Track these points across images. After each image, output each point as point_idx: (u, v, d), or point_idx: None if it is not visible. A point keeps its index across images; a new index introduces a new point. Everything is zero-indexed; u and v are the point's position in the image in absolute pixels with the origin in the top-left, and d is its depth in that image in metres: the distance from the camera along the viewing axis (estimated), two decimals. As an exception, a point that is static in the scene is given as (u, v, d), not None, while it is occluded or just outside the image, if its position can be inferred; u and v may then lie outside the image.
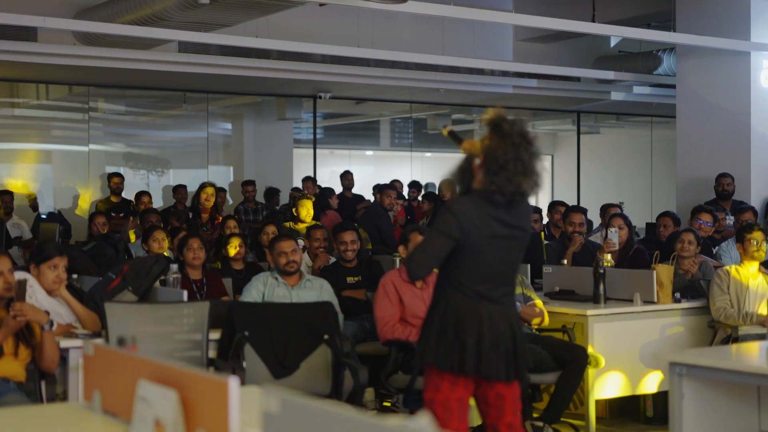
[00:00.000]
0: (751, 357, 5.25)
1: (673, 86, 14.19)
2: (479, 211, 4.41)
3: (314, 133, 16.54)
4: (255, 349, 5.91)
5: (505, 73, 14.42)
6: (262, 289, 6.76)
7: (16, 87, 14.87)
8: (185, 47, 12.16)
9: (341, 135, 19.65)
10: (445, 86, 14.45)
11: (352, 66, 13.15)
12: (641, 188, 17.78)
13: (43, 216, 13.78)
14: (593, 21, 12.37)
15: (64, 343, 5.51)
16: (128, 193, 12.97)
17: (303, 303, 6.31)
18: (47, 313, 5.29)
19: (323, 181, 16.35)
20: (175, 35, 10.67)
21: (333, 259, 8.81)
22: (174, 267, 6.95)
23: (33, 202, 14.97)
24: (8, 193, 12.07)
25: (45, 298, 5.70)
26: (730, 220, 10.25)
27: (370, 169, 19.71)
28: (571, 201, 18.16)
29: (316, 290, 6.87)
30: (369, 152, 20.82)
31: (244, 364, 5.80)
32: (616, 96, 15.48)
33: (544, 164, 4.57)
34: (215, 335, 5.98)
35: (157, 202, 14.98)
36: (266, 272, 6.89)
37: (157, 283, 6.42)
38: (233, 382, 2.95)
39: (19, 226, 11.78)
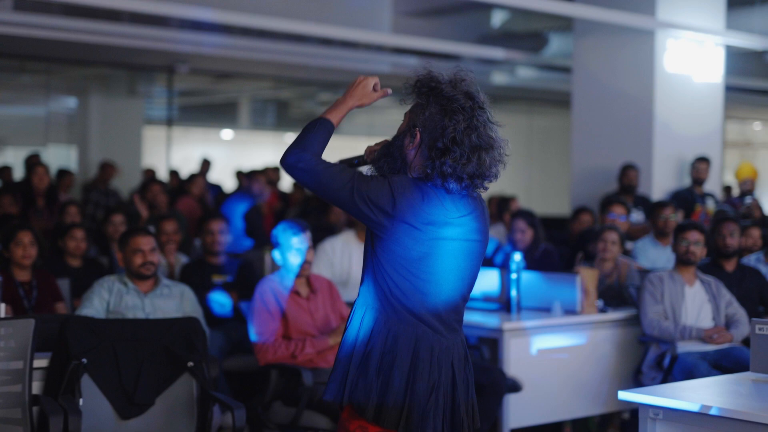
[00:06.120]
0: (747, 396, 4.12)
1: (563, 70, 13.23)
2: (424, 201, 3.17)
3: (170, 110, 15.01)
4: (96, 381, 4.49)
5: (380, 48, 13.17)
6: (106, 297, 5.33)
7: None
8: (22, 5, 10.48)
9: (197, 114, 18.10)
10: (315, 61, 13.12)
11: (213, 34, 11.67)
12: (524, 180, 16.85)
13: None
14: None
15: None
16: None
17: (160, 320, 4.89)
18: None
19: (175, 163, 14.93)
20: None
21: (183, 258, 7.47)
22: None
23: None
24: None
25: None
26: (638, 215, 9.28)
27: (228, 152, 18.29)
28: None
29: (176, 298, 5.50)
30: (227, 133, 19.35)
31: (81, 402, 4.37)
32: (499, 79, 14.42)
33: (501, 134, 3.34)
34: (43, 362, 4.54)
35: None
36: (112, 276, 5.46)
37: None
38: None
39: None
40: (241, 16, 10.38)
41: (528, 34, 13.61)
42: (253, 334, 5.31)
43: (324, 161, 3.18)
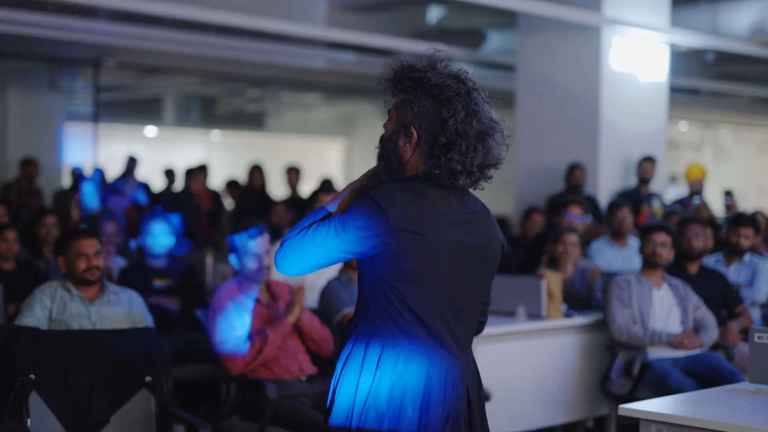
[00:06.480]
0: (752, 411, 3.87)
1: (502, 67, 13.03)
2: (417, 200, 2.85)
3: (96, 106, 14.44)
4: (45, 399, 4.08)
5: (314, 43, 12.80)
6: (49, 305, 4.89)
7: None
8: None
9: (119, 110, 17.51)
10: (248, 56, 12.70)
11: (143, 26, 11.18)
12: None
13: None
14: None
15: None
16: None
17: (114, 330, 4.50)
18: None
19: (100, 162, 14.41)
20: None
21: (119, 260, 7.07)
22: None
23: None
24: None
25: None
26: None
27: (152, 150, 17.73)
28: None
29: (124, 305, 5.08)
30: (151, 130, 18.78)
31: (29, 422, 3.96)
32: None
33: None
34: (-16, 379, 4.13)
35: None
36: (54, 282, 5.03)
37: None
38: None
39: None
40: (171, 7, 9.93)
41: (465, 31, 13.37)
42: (217, 344, 4.92)
43: (299, 233, 2.84)
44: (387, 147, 2.98)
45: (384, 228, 2.80)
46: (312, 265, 2.84)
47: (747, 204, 13.82)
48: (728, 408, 3.93)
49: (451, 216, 2.89)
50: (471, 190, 3.02)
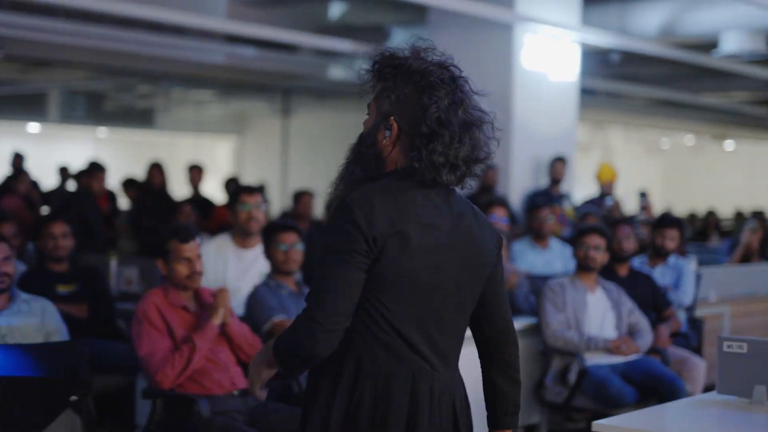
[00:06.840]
0: (723, 422, 3.68)
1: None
2: (399, 201, 2.59)
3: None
4: (-43, 423, 3.66)
5: (210, 35, 12.33)
6: (-48, 315, 4.45)
7: None
8: None
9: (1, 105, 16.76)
10: (142, 50, 12.17)
11: (33, 16, 10.58)
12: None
13: None
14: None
15: None
16: None
17: (34, 345, 4.07)
18: None
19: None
20: None
21: (19, 266, 6.55)
22: None
23: None
24: None
25: None
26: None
27: (35, 147, 16.99)
28: (273, 189, 16.52)
29: (36, 316, 4.66)
30: (33, 126, 18.01)
31: (-60, 450, 3.53)
32: (336, 73, 13.86)
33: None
34: None
35: None
36: (-41, 290, 4.58)
37: None
38: None
39: None
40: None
41: (368, 28, 13.11)
42: (144, 357, 4.50)
43: (308, 301, 2.55)
44: (365, 142, 2.70)
45: (367, 235, 2.52)
46: (350, 308, 2.53)
47: (630, 206, 13.74)
48: (698, 421, 3.74)
49: (433, 217, 2.62)
50: (458, 189, 2.76)
